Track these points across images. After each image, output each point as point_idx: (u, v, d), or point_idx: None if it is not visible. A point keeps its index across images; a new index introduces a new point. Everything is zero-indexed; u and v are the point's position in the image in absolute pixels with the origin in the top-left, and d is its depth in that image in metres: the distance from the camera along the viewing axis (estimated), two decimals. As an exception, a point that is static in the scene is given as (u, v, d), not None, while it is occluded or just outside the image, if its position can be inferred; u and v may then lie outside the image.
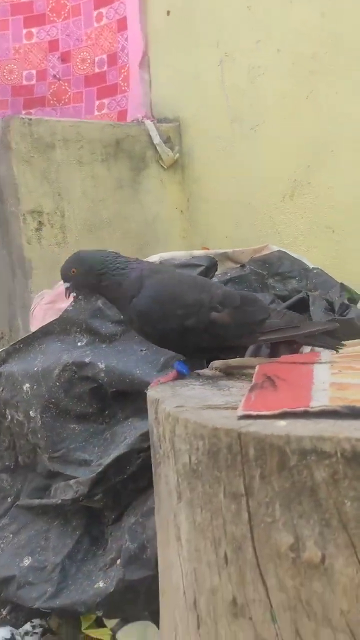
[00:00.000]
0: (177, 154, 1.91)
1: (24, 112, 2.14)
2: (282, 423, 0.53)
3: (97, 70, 2.11)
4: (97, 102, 2.12)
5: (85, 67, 2.13)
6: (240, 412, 0.57)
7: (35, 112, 2.13)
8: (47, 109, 2.15)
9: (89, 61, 2.13)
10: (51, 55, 2.15)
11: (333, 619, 0.50)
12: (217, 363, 0.90)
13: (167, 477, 0.64)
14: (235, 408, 0.60)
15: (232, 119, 1.74)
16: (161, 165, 1.91)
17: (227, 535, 0.55)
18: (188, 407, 0.63)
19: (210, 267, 1.18)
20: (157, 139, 1.87)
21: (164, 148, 1.88)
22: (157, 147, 1.88)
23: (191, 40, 1.85)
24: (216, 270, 1.21)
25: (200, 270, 1.16)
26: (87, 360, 1.12)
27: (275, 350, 1.03)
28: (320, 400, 0.58)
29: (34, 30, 2.15)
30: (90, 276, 0.85)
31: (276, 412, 0.55)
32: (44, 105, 2.15)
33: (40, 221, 1.72)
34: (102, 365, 1.11)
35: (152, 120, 1.92)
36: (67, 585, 1.07)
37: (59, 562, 1.09)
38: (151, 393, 0.72)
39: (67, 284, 0.88)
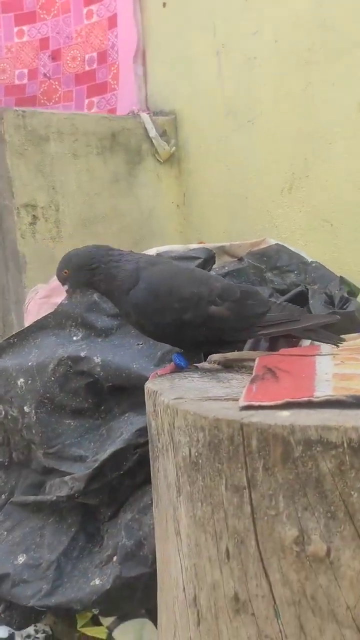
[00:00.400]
0: (174, 148, 1.89)
1: (15, 111, 2.11)
2: (285, 413, 0.52)
3: (87, 68, 2.09)
4: (86, 101, 2.10)
5: (75, 66, 2.10)
6: (242, 402, 0.56)
7: (26, 112, 2.10)
8: (37, 108, 2.12)
9: (79, 59, 2.10)
10: (42, 53, 2.12)
11: (339, 613, 0.49)
12: (216, 356, 0.89)
13: (165, 470, 0.63)
14: (236, 399, 0.59)
15: (229, 112, 1.73)
16: (157, 159, 1.89)
17: (229, 529, 0.54)
18: (188, 398, 0.62)
19: (208, 259, 1.16)
20: (152, 132, 1.85)
21: (160, 141, 1.86)
22: (153, 141, 1.86)
23: (187, 32, 1.83)
24: (214, 263, 1.20)
25: (197, 263, 1.14)
26: (82, 354, 1.10)
27: (274, 344, 1.02)
28: (324, 390, 0.57)
29: (25, 28, 2.12)
30: (82, 273, 0.84)
31: (279, 402, 0.54)
32: (34, 105, 2.12)
33: (34, 215, 1.70)
34: (98, 360, 1.09)
35: (147, 113, 1.90)
36: (62, 583, 1.05)
37: (54, 560, 1.07)
38: (149, 385, 0.71)
39: (66, 286, 0.87)
